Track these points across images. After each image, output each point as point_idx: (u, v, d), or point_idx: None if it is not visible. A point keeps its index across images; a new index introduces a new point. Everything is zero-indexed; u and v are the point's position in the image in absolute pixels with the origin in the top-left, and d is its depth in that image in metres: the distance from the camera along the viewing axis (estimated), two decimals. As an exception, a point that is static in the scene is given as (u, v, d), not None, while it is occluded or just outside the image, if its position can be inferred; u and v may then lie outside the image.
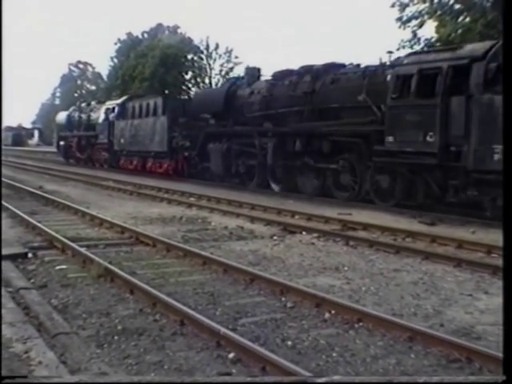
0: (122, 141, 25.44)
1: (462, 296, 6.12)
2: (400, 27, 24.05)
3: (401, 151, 12.20)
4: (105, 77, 60.77)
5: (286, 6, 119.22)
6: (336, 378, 3.63)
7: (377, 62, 13.76)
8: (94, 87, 73.51)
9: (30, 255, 7.61)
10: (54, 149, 40.41)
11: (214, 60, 46.05)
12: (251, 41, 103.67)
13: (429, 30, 24.03)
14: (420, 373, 4.10)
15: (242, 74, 23.00)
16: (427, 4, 23.31)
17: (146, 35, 52.82)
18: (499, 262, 6.83)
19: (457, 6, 22.73)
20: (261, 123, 17.25)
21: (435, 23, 23.33)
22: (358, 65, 15.07)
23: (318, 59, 48.88)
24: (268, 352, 4.25)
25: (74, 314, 5.32)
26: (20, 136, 74.50)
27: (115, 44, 54.44)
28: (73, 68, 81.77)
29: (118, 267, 6.85)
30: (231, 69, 45.74)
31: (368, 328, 4.98)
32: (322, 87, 15.12)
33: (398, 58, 13.82)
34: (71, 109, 34.37)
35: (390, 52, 14.12)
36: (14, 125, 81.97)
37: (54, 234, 8.73)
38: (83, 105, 33.30)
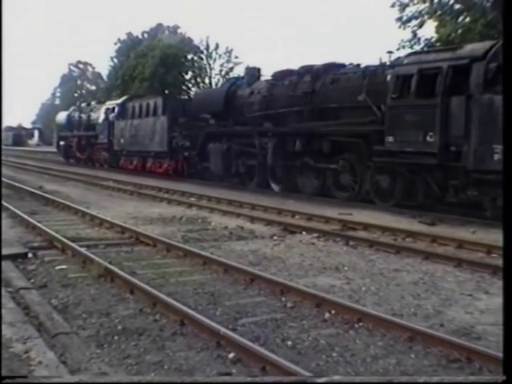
0: (122, 141, 25.43)
1: (463, 296, 6.12)
2: (400, 27, 24.10)
3: (401, 151, 12.21)
4: (105, 77, 60.82)
5: (286, 5, 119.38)
6: (336, 377, 3.63)
7: (377, 62, 13.76)
8: (94, 87, 73.52)
9: (30, 255, 7.61)
10: (54, 149, 40.40)
11: (214, 60, 46.10)
12: (251, 41, 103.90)
13: (429, 30, 24.10)
14: (420, 373, 4.10)
15: (242, 74, 22.99)
16: (427, 4, 23.31)
17: (145, 35, 52.83)
18: (499, 261, 6.82)
19: (457, 6, 22.73)
20: (261, 123, 17.24)
21: (435, 23, 23.33)
22: (358, 65, 15.07)
23: (318, 59, 48.80)
24: (268, 352, 4.25)
25: (74, 314, 5.33)
26: (20, 136, 74.52)
27: (115, 44, 54.60)
28: (73, 68, 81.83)
29: (118, 267, 6.85)
30: (231, 69, 45.79)
31: (368, 328, 4.98)
32: (322, 87, 15.11)
33: (398, 58, 13.81)
34: (71, 109, 34.36)
35: (390, 52, 14.14)
36: (14, 125, 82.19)
37: (54, 234, 8.73)
38: (83, 105, 33.28)
